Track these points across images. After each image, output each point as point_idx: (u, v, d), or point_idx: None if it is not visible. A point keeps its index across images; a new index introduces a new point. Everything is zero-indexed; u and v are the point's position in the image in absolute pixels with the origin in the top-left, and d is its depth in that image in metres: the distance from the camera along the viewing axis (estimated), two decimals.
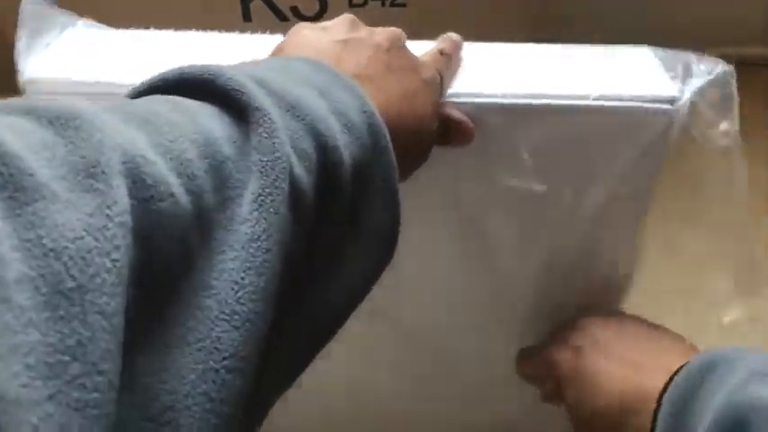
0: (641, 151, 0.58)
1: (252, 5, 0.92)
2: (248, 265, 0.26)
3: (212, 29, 0.94)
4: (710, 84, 0.58)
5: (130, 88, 0.32)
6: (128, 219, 0.23)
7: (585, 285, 0.58)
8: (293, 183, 0.29)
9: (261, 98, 0.29)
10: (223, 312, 0.25)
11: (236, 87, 0.29)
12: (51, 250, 0.21)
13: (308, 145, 0.30)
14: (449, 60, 0.47)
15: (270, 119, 0.29)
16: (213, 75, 0.30)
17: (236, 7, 0.92)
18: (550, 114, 0.51)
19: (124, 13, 0.94)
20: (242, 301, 0.26)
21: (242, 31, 0.94)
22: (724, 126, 0.59)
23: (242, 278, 0.26)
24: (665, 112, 0.55)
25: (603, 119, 0.53)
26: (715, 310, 0.58)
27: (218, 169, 0.27)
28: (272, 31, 0.95)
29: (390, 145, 0.34)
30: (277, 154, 0.28)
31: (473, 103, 0.48)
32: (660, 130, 0.57)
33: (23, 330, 0.19)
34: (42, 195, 0.21)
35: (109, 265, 0.22)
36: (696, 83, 0.56)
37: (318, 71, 0.35)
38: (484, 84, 0.49)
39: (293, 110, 0.31)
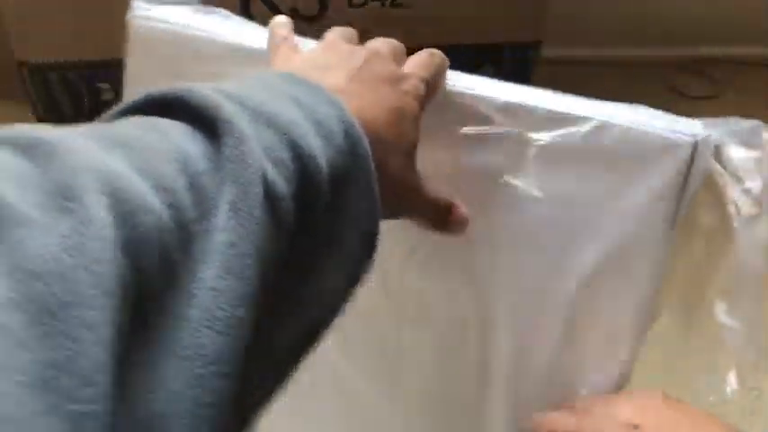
0: (655, 191, 0.51)
1: (252, 5, 0.92)
2: (226, 270, 0.27)
3: None
4: (738, 134, 0.52)
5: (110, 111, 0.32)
6: (108, 233, 0.24)
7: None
8: (268, 188, 0.29)
9: (230, 111, 0.30)
10: (205, 319, 0.26)
11: (205, 103, 0.30)
12: (32, 273, 0.21)
13: (284, 154, 0.31)
14: (438, 61, 0.48)
15: (239, 129, 0.29)
16: (182, 93, 0.31)
17: (235, 7, 0.92)
18: (566, 123, 0.52)
19: (122, 12, 0.94)
20: (222, 306, 0.26)
21: None
22: (750, 185, 0.52)
23: (221, 284, 0.26)
24: (685, 144, 0.51)
25: (619, 139, 0.52)
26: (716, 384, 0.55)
27: (194, 184, 0.27)
28: None
29: (369, 154, 0.35)
30: (249, 161, 0.29)
31: (489, 99, 0.48)
32: (678, 166, 0.51)
33: (12, 351, 0.20)
34: (19, 222, 0.22)
35: (90, 279, 0.22)
36: (723, 126, 0.52)
37: (295, 83, 0.35)
38: (500, 87, 0.49)
39: (267, 120, 0.31)
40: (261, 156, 0.30)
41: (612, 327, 0.52)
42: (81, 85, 1.00)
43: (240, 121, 0.30)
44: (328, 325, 0.34)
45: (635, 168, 0.51)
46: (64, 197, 0.23)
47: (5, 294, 0.21)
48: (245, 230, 0.28)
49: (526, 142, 0.51)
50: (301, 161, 0.31)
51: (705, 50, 1.38)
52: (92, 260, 0.23)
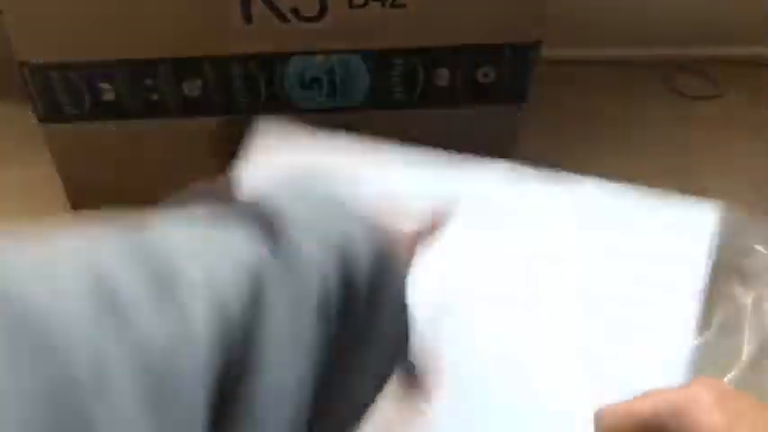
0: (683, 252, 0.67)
1: (252, 6, 0.92)
2: (281, 368, 0.31)
3: (212, 29, 0.95)
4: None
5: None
6: (205, 328, 0.28)
7: None
8: (321, 296, 0.34)
9: (291, 221, 0.35)
10: (266, 414, 0.30)
11: (271, 211, 0.35)
12: (148, 365, 0.25)
13: (332, 264, 0.36)
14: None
15: (298, 239, 0.34)
16: (255, 202, 0.37)
17: (236, 8, 0.92)
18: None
19: (122, 12, 0.94)
20: (281, 402, 0.31)
21: (242, 32, 0.94)
22: None
23: (277, 381, 0.31)
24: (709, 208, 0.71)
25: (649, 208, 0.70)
26: None
27: (256, 290, 0.31)
28: (273, 33, 0.96)
29: (401, 267, 0.42)
30: (305, 268, 0.34)
31: None
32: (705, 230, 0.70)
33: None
34: (138, 313, 0.26)
35: (191, 363, 0.27)
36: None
37: (339, 204, 0.41)
38: None
39: (321, 234, 0.36)
40: (315, 267, 0.34)
41: None
42: (82, 85, 1.00)
43: (300, 233, 0.35)
44: (369, 406, 0.40)
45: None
46: (170, 285, 0.28)
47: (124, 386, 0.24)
48: (299, 334, 0.32)
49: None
50: (346, 270, 0.36)
51: (705, 50, 1.38)
52: (195, 351, 0.27)
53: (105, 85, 1.00)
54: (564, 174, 0.77)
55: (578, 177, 0.77)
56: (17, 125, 1.26)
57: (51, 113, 1.03)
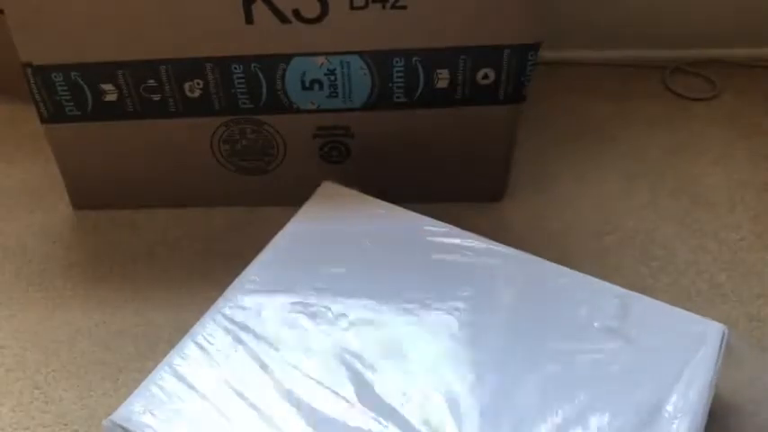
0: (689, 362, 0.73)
1: (253, 7, 0.93)
2: None
3: (214, 30, 0.95)
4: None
5: None
6: None
7: None
8: None
9: None
10: None
11: None
12: None
13: None
14: None
15: None
16: None
17: (237, 9, 0.93)
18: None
19: (125, 13, 0.94)
20: None
21: (244, 33, 0.95)
22: None
23: None
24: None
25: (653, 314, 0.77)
26: None
27: None
28: (275, 34, 0.96)
29: None
30: None
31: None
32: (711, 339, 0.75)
33: None
34: None
35: None
36: None
37: None
38: None
39: None
40: None
41: None
42: (84, 86, 1.00)
43: None
44: None
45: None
46: None
47: None
48: None
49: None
50: None
51: (703, 52, 1.39)
52: None
53: (107, 86, 1.00)
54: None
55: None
56: (20, 125, 1.27)
57: (54, 114, 1.03)
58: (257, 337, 0.74)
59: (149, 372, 0.73)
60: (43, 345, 0.95)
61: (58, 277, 1.04)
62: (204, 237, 1.10)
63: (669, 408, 0.68)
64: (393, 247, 0.83)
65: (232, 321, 0.75)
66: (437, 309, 0.76)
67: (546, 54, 1.07)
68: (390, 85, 1.00)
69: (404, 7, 0.93)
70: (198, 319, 0.78)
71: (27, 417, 0.87)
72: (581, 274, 0.81)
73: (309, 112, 1.03)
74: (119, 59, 0.98)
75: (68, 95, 1.01)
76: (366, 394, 0.68)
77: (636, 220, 1.10)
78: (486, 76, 1.00)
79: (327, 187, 0.92)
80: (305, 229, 0.86)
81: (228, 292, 0.79)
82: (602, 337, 0.74)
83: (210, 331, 0.75)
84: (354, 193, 0.90)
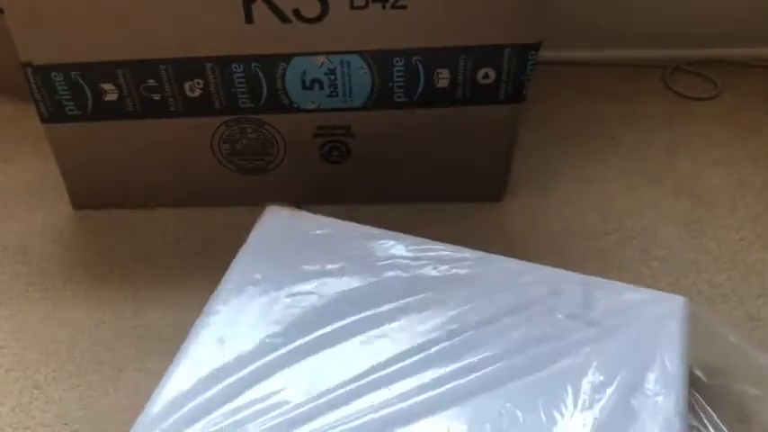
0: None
1: (254, 7, 0.93)
2: None
3: (214, 30, 0.95)
4: None
5: None
6: None
7: None
8: None
9: None
10: None
11: None
12: None
13: None
14: None
15: None
16: None
17: (237, 8, 0.93)
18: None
19: (125, 13, 0.94)
20: None
21: (244, 32, 0.95)
22: None
23: None
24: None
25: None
26: None
27: None
28: (275, 33, 0.96)
29: None
30: None
31: None
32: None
33: None
34: None
35: None
36: None
37: None
38: None
39: None
40: None
41: None
42: (84, 86, 1.00)
43: None
44: None
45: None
46: None
47: None
48: None
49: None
50: None
51: (704, 52, 1.39)
52: None
53: (107, 86, 1.00)
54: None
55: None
56: (20, 125, 1.27)
57: (54, 114, 1.03)
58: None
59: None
60: (43, 345, 0.95)
61: (58, 277, 1.04)
62: (204, 237, 1.10)
63: (649, 386, 0.67)
64: (348, 267, 0.79)
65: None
66: (395, 320, 0.74)
67: (546, 54, 1.06)
68: (391, 84, 1.00)
69: (404, 7, 0.93)
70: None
71: (27, 416, 0.87)
72: (540, 267, 0.80)
73: (310, 111, 1.03)
74: (119, 59, 0.98)
75: (68, 95, 1.01)
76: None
77: (636, 220, 1.10)
78: (486, 76, 1.00)
79: (273, 212, 0.87)
80: (256, 263, 0.80)
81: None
82: (569, 327, 0.73)
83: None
84: (302, 214, 0.86)
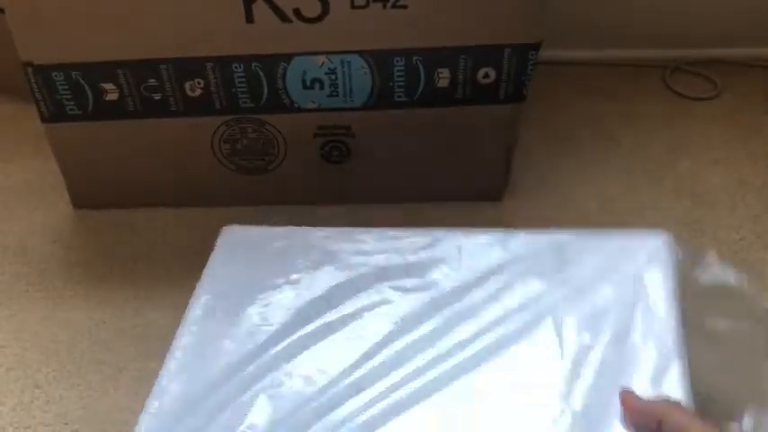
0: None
1: (254, 6, 0.93)
2: None
3: (214, 29, 0.95)
4: None
5: None
6: None
7: None
8: None
9: None
10: None
11: None
12: None
13: None
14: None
15: None
16: None
17: (238, 8, 0.93)
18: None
19: (125, 12, 0.94)
20: None
21: (244, 32, 0.95)
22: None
23: None
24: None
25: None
26: None
27: None
28: (275, 33, 0.96)
29: None
30: None
31: None
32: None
33: None
34: None
35: None
36: None
37: None
38: None
39: None
40: None
41: None
42: (85, 86, 1.00)
43: None
44: None
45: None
46: None
47: None
48: None
49: None
50: None
51: (704, 52, 1.39)
52: None
53: (108, 86, 1.00)
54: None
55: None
56: (20, 124, 1.27)
57: (54, 113, 1.03)
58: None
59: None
60: (43, 345, 0.95)
61: (58, 277, 1.04)
62: (204, 237, 1.10)
63: (636, 335, 0.63)
64: (313, 271, 0.76)
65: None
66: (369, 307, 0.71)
67: (546, 54, 1.06)
68: (391, 84, 1.00)
69: (404, 6, 0.93)
70: None
71: (28, 416, 0.87)
72: (507, 232, 0.75)
73: (310, 111, 1.03)
74: (119, 59, 0.98)
75: (69, 95, 1.01)
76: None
77: (636, 220, 1.10)
78: (486, 76, 1.00)
79: (229, 232, 0.84)
80: (220, 284, 0.77)
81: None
82: (547, 288, 0.69)
83: None
84: (258, 229, 0.83)
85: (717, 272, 0.71)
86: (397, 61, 0.98)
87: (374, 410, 0.62)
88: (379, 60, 0.98)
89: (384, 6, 0.93)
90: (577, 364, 0.62)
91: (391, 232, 0.78)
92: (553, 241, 0.73)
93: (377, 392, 0.64)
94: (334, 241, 0.79)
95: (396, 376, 0.65)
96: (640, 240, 0.72)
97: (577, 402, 0.59)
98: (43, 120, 1.04)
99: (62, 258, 1.07)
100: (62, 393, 0.89)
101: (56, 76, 0.99)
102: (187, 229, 1.11)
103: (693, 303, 0.68)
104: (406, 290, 0.72)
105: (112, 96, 1.01)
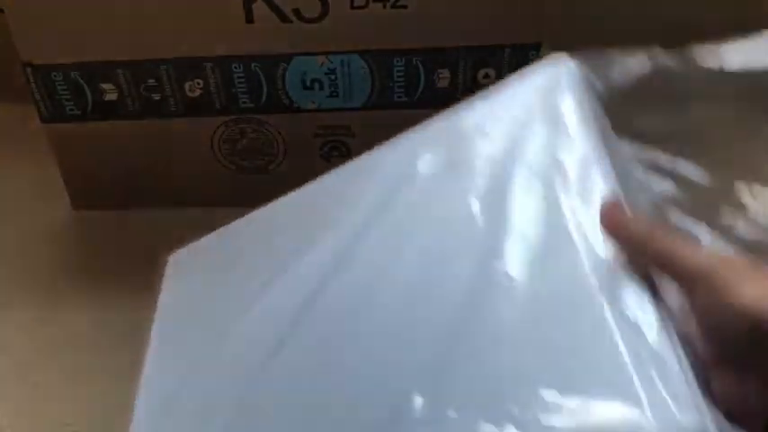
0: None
1: (254, 6, 0.93)
2: None
3: (214, 29, 0.95)
4: None
5: None
6: None
7: None
8: None
9: None
10: None
11: None
12: None
13: None
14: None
15: None
16: None
17: (237, 8, 0.93)
18: None
19: (126, 13, 0.94)
20: None
21: (244, 32, 0.95)
22: None
23: None
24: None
25: None
26: None
27: None
28: (275, 33, 0.96)
29: None
30: None
31: None
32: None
33: None
34: None
35: None
36: None
37: None
38: None
39: None
40: None
41: None
42: (84, 86, 1.00)
43: None
44: None
45: None
46: None
47: None
48: None
49: None
50: None
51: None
52: None
53: (107, 86, 1.00)
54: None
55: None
56: (19, 125, 1.27)
57: (54, 113, 1.03)
58: None
59: None
60: (42, 345, 0.95)
61: (57, 278, 1.04)
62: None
63: (571, 180, 0.53)
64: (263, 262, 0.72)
65: None
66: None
67: (547, 53, 1.06)
68: (391, 84, 1.00)
69: (404, 7, 0.93)
70: None
71: (27, 416, 0.87)
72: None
73: (310, 111, 1.03)
74: (119, 59, 0.98)
75: (68, 95, 1.01)
76: None
77: None
78: (486, 76, 1.00)
79: (178, 257, 0.81)
80: (181, 311, 0.75)
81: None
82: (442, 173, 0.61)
83: None
84: (200, 243, 0.80)
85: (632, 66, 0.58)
86: (397, 61, 0.98)
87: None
88: (379, 60, 0.98)
89: (384, 6, 0.93)
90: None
91: (317, 184, 0.73)
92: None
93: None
94: (273, 222, 0.75)
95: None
96: (544, 71, 0.61)
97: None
98: (43, 120, 1.04)
99: (61, 259, 1.07)
100: (62, 394, 0.89)
101: (55, 76, 0.99)
102: (187, 229, 1.11)
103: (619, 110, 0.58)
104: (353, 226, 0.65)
105: (112, 96, 1.01)
